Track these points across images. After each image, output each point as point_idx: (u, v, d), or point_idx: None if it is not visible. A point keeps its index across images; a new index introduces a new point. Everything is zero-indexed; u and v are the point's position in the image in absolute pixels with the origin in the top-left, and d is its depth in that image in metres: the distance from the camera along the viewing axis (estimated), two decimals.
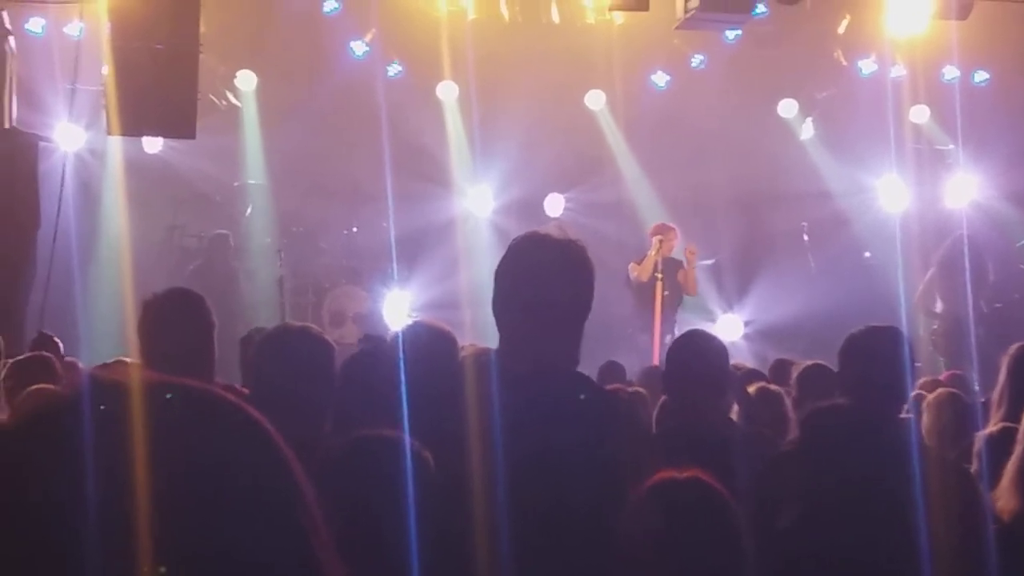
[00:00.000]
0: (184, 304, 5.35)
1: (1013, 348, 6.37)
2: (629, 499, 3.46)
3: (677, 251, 15.14)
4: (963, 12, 14.78)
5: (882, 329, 5.19)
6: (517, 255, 3.99)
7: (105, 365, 8.08)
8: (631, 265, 15.28)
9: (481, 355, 4.12)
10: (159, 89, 11.62)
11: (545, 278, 3.91)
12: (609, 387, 6.16)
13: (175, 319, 5.18)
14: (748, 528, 3.56)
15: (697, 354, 5.86)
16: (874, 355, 5.02)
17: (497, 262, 4.05)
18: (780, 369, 9.21)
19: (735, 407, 7.20)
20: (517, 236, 4.08)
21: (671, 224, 15.44)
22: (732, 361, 7.64)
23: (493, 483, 3.54)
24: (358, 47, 16.56)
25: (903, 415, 5.19)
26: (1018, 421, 5.25)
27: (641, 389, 9.17)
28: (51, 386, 6.78)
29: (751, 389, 7.40)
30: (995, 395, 6.33)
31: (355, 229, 17.26)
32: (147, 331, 5.22)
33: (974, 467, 5.54)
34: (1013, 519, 4.66)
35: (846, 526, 4.35)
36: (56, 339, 9.75)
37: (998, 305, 14.77)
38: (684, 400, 5.76)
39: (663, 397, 6.26)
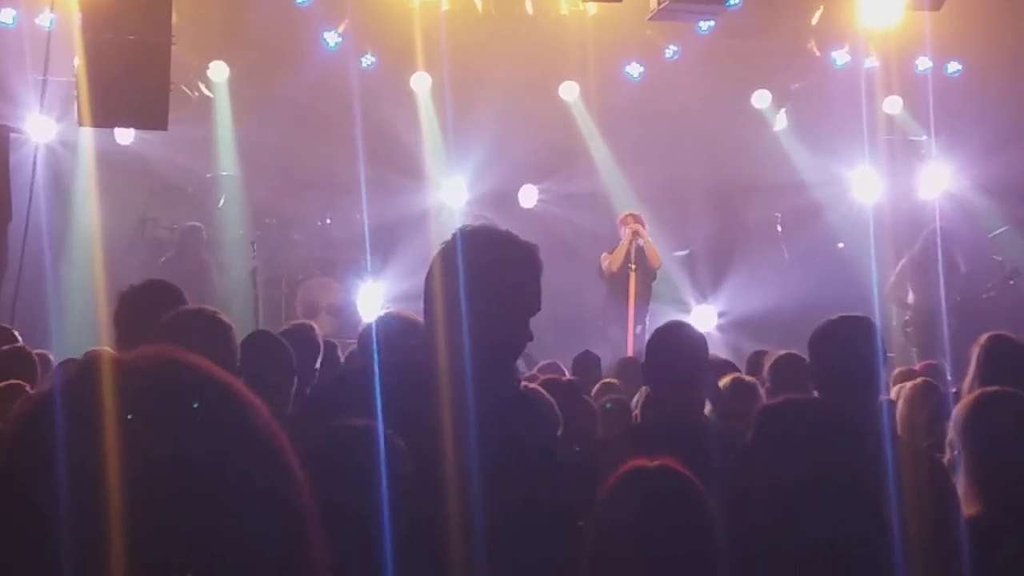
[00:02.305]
0: (162, 296, 5.32)
1: (983, 338, 6.42)
2: (601, 487, 3.46)
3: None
4: (936, 3, 14.81)
5: (851, 319, 5.20)
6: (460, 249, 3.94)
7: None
8: (603, 255, 15.32)
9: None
10: (131, 80, 11.57)
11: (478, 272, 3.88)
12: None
13: (153, 311, 5.14)
14: (721, 520, 3.57)
15: (679, 345, 5.84)
16: (844, 345, 5.03)
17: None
18: (757, 360, 9.19)
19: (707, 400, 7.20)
20: (457, 233, 4.02)
21: (638, 213, 15.52)
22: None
23: (466, 472, 3.54)
24: (331, 38, 16.52)
25: (877, 405, 5.19)
26: None
27: (614, 380, 9.19)
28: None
29: (724, 380, 7.39)
30: (965, 385, 6.37)
31: (328, 221, 17.22)
32: (124, 323, 5.19)
33: (947, 456, 5.55)
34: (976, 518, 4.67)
35: (816, 518, 4.35)
36: (14, 331, 9.69)
37: (970, 296, 14.81)
38: (665, 392, 5.74)
39: (644, 389, 6.24)
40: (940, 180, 17.37)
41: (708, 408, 6.85)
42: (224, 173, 17.14)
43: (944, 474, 4.90)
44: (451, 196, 17.56)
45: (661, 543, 3.38)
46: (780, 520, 4.26)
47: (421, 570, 3.52)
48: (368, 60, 16.78)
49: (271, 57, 16.63)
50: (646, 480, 3.45)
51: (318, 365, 7.73)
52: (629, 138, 17.45)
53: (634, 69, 17.67)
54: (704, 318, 16.48)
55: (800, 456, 4.43)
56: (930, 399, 6.89)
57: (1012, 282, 15.22)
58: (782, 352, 7.44)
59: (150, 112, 11.94)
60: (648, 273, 15.19)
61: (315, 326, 8.47)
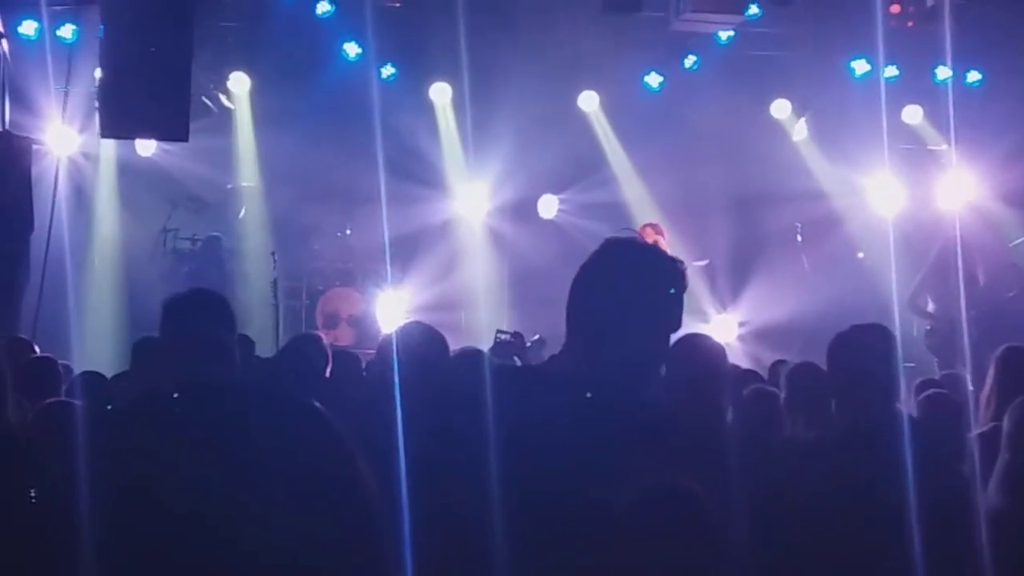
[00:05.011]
0: (208, 305, 5.26)
1: (1000, 349, 6.45)
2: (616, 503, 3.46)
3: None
4: (956, 12, 14.81)
5: (870, 327, 5.20)
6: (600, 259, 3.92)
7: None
8: None
9: (472, 354, 4.10)
10: (152, 92, 11.60)
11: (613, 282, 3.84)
12: None
13: (198, 320, 5.09)
14: (739, 528, 3.58)
15: (696, 356, 5.86)
16: (862, 354, 5.04)
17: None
18: (776, 370, 9.20)
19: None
20: (606, 244, 3.98)
21: (657, 223, 15.49)
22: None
23: (486, 483, 3.54)
24: (351, 49, 16.56)
25: (895, 414, 5.20)
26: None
27: None
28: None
29: (746, 390, 7.40)
30: (983, 395, 6.40)
31: (349, 231, 17.26)
32: (169, 332, 5.12)
33: (966, 467, 5.56)
34: (1000, 517, 4.69)
35: (838, 527, 4.37)
36: (33, 343, 9.74)
37: (986, 308, 14.71)
38: (683, 401, 5.76)
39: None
40: (960, 190, 17.32)
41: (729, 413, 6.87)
42: (245, 184, 17.20)
43: (962, 483, 4.91)
44: (471, 207, 17.59)
45: (670, 559, 3.39)
46: (801, 530, 4.28)
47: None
48: (388, 71, 16.81)
49: (292, 68, 16.68)
50: (656, 499, 3.46)
51: (328, 374, 7.81)
52: (649, 148, 17.46)
53: (653, 79, 17.69)
54: (724, 328, 16.46)
55: (838, 465, 4.45)
56: (947, 409, 6.89)
57: None
58: (798, 361, 7.45)
59: (171, 123, 11.97)
60: None
61: (323, 336, 8.53)
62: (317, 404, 1.76)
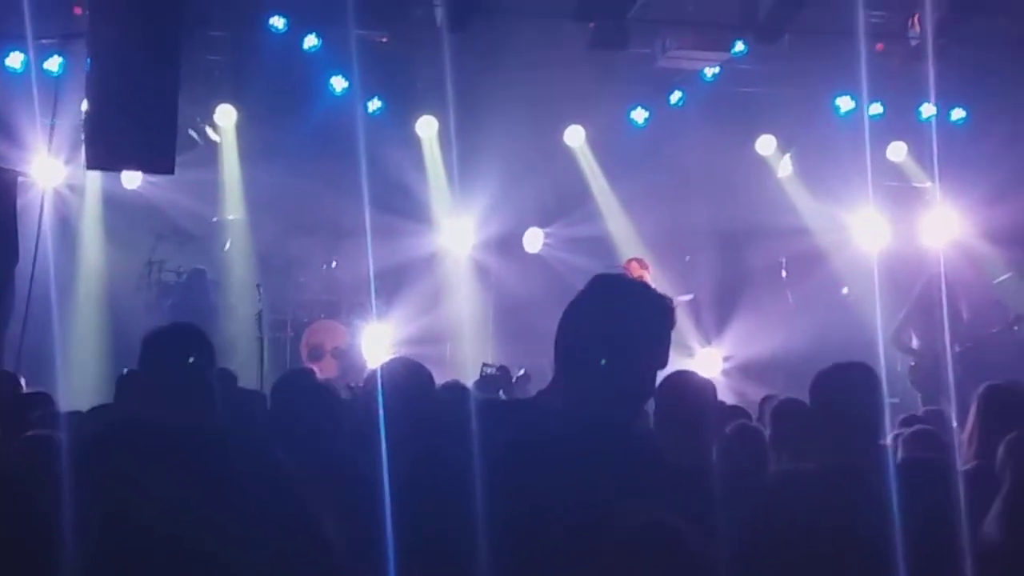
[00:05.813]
0: (187, 338, 5.26)
1: (982, 387, 6.48)
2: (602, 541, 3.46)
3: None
4: (940, 51, 14.90)
5: (852, 365, 5.22)
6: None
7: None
8: None
9: (456, 388, 4.11)
10: (138, 124, 11.58)
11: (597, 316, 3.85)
12: None
13: (178, 354, 5.09)
14: (722, 564, 3.58)
15: (684, 392, 5.89)
16: (844, 390, 5.06)
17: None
18: (765, 405, 9.21)
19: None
20: (594, 280, 3.99)
21: (642, 258, 15.53)
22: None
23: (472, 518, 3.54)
24: (338, 83, 16.57)
25: (879, 450, 5.21)
26: (988, 457, 5.32)
27: None
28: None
29: (731, 426, 7.41)
30: (966, 433, 6.44)
31: (334, 264, 17.26)
32: (150, 366, 5.12)
33: (950, 503, 5.56)
34: (994, 548, 4.71)
35: (821, 563, 4.37)
36: (18, 376, 9.69)
37: (969, 345, 14.74)
38: (671, 436, 5.77)
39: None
40: (944, 227, 17.37)
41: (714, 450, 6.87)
42: (230, 217, 17.19)
43: (946, 520, 4.92)
44: (457, 240, 17.60)
45: None
46: (784, 567, 4.28)
47: None
48: (374, 105, 16.83)
49: (278, 102, 16.69)
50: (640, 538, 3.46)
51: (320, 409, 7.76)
52: (634, 183, 17.49)
53: (639, 115, 17.72)
54: (709, 362, 16.46)
55: (823, 504, 4.45)
56: (931, 447, 6.90)
57: (1016, 328, 15.19)
58: (783, 397, 7.47)
59: (157, 156, 11.93)
60: None
61: (315, 370, 8.52)
62: (275, 451, 1.78)
